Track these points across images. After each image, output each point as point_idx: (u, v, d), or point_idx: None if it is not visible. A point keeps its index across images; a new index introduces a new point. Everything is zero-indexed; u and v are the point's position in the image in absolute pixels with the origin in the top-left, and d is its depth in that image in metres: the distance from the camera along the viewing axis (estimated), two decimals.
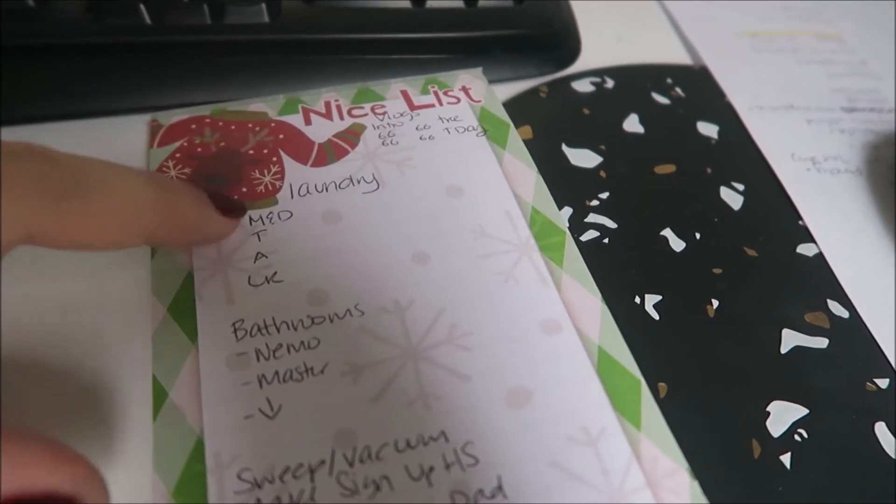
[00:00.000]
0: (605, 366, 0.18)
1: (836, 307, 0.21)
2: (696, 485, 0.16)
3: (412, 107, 0.24)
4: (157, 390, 0.16)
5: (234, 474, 0.15)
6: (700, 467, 0.17)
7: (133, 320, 0.18)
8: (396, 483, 0.15)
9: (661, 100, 0.27)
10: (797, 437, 0.18)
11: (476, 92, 0.25)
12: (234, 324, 0.18)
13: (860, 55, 0.32)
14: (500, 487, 0.15)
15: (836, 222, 0.24)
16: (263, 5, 0.24)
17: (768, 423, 0.18)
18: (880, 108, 0.29)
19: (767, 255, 0.22)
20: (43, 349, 0.18)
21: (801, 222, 0.23)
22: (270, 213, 0.20)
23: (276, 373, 0.17)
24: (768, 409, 0.18)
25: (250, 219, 0.20)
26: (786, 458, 0.17)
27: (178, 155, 0.22)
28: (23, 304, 0.18)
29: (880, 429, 0.18)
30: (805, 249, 0.22)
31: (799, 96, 0.29)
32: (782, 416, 0.18)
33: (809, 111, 0.28)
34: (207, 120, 0.23)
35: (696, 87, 0.28)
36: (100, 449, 0.16)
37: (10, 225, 0.12)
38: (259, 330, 0.18)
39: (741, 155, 0.25)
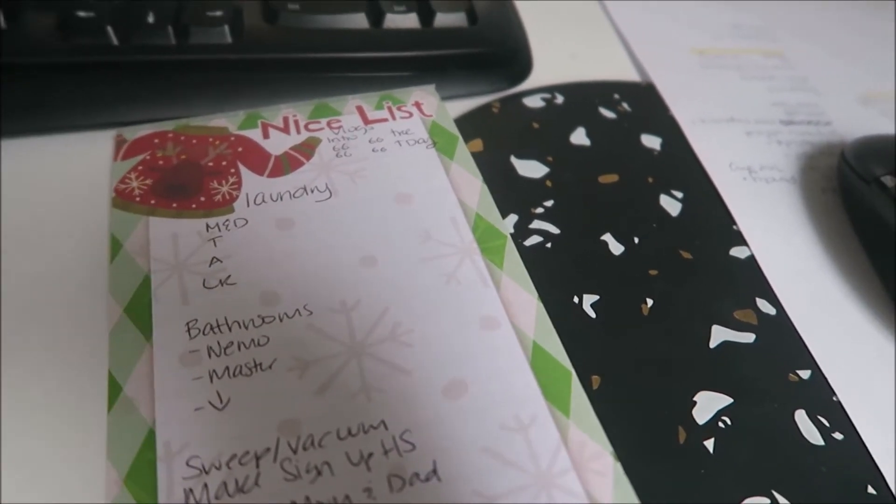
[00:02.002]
0: (538, 359, 0.19)
1: (764, 305, 0.22)
2: (618, 466, 0.17)
3: (366, 121, 0.25)
4: (112, 384, 0.17)
5: (183, 461, 0.16)
6: (628, 453, 0.18)
7: (90, 320, 0.19)
8: (337, 468, 0.16)
9: (608, 114, 0.29)
10: (721, 424, 0.19)
11: (428, 107, 0.26)
12: (187, 323, 0.19)
13: (802, 71, 0.34)
14: (434, 471, 0.16)
15: (768, 227, 0.25)
16: (226, 26, 0.26)
17: (694, 411, 0.19)
18: (817, 122, 0.30)
19: (701, 258, 0.23)
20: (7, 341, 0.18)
21: (735, 227, 0.25)
22: (227, 220, 0.21)
23: (227, 368, 0.18)
24: (695, 398, 0.19)
25: (207, 226, 0.21)
26: (709, 444, 0.19)
27: (140, 167, 0.23)
28: None
29: (800, 416, 0.19)
30: (738, 252, 0.24)
31: (740, 110, 0.30)
32: (708, 404, 0.19)
33: (749, 124, 0.30)
34: (170, 135, 0.24)
35: (642, 103, 0.30)
36: (55, 439, 0.17)
37: None
38: (211, 329, 0.19)
39: (682, 165, 0.27)
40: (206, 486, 0.16)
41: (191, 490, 0.16)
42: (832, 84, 0.33)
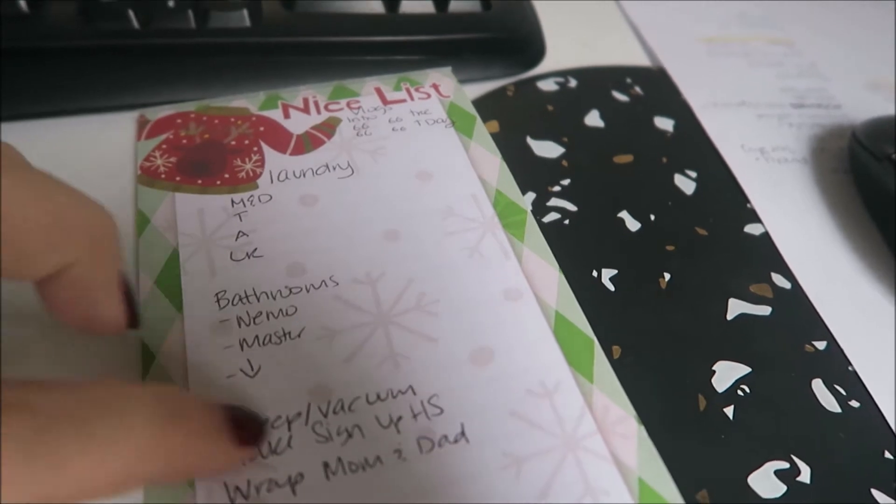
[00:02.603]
0: (561, 328, 0.19)
1: (779, 279, 0.23)
2: (642, 429, 0.17)
3: (385, 102, 0.25)
4: (145, 354, 0.18)
5: None
6: (650, 418, 0.18)
7: None
8: (367, 431, 0.17)
9: (621, 97, 0.29)
10: (740, 392, 0.19)
11: (445, 88, 0.26)
12: (216, 294, 0.19)
13: (810, 58, 0.34)
14: (462, 433, 0.17)
15: (782, 206, 0.25)
16: (245, 10, 0.26)
17: (713, 380, 0.20)
18: (827, 105, 0.31)
19: (717, 234, 0.24)
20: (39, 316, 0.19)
21: (749, 205, 0.25)
22: (251, 196, 0.22)
23: (257, 337, 0.18)
24: (714, 368, 0.20)
25: (232, 201, 0.21)
26: (729, 410, 0.19)
27: (164, 146, 0.23)
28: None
29: (817, 385, 0.20)
30: (752, 229, 0.24)
31: (750, 94, 0.31)
32: (726, 374, 0.20)
33: (760, 107, 0.30)
34: (192, 115, 0.24)
35: (654, 87, 0.30)
36: None
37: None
38: (240, 299, 0.19)
39: (695, 146, 0.27)
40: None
41: None
42: (839, 70, 0.33)
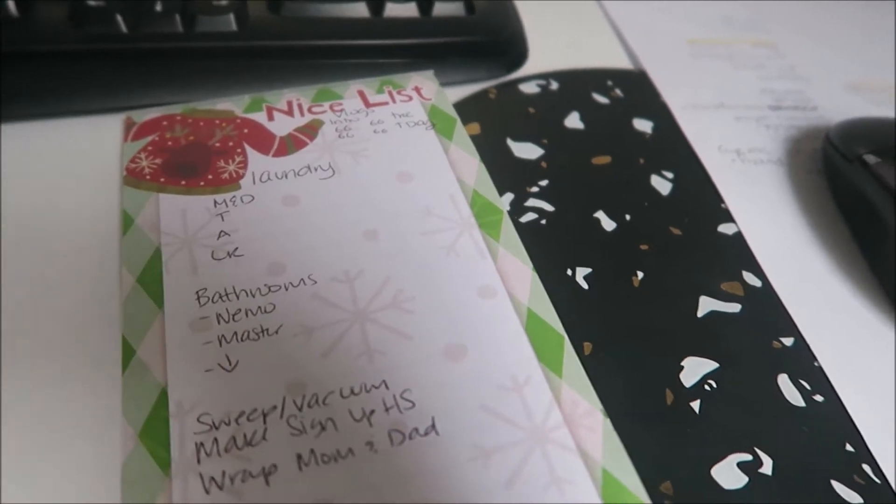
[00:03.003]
0: (532, 324, 0.20)
1: (750, 277, 0.23)
2: (608, 422, 0.18)
3: (367, 104, 0.26)
4: (126, 348, 0.18)
5: (194, 418, 0.17)
6: (618, 412, 0.19)
7: (104, 291, 0.20)
8: (340, 424, 0.17)
9: (601, 99, 0.30)
10: (706, 388, 0.20)
11: (427, 91, 0.27)
12: (197, 292, 0.20)
13: (790, 60, 0.35)
14: (433, 426, 0.17)
15: (756, 206, 0.26)
16: (232, 15, 0.27)
17: (681, 375, 0.20)
18: (804, 107, 0.31)
19: (691, 234, 0.24)
20: (25, 310, 0.19)
21: (723, 205, 0.26)
22: (234, 196, 0.22)
23: (235, 333, 0.19)
24: (682, 363, 0.20)
25: (215, 202, 0.22)
26: (695, 405, 0.19)
27: (149, 148, 0.24)
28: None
29: (782, 380, 0.20)
30: (725, 228, 0.25)
31: (730, 97, 0.31)
32: (694, 369, 0.20)
33: (738, 109, 0.31)
34: (178, 117, 0.25)
35: (635, 89, 0.31)
36: (72, 399, 0.18)
37: None
38: (220, 297, 0.19)
39: (672, 147, 0.28)
40: (216, 440, 0.17)
41: (202, 444, 0.17)
42: (820, 73, 0.34)
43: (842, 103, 0.32)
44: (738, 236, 0.24)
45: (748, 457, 0.18)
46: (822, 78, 0.33)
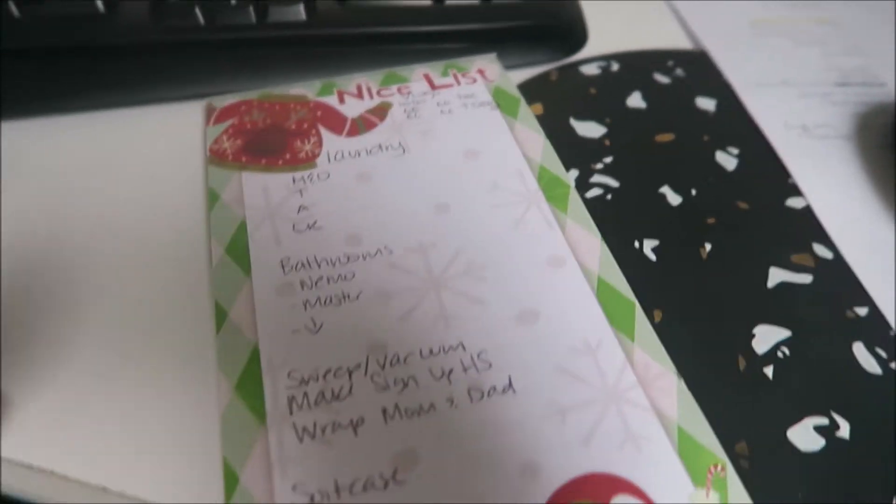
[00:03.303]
0: (603, 291, 0.20)
1: (820, 249, 0.23)
2: (682, 383, 0.18)
3: (433, 87, 0.27)
4: (218, 311, 0.19)
5: (284, 374, 0.18)
6: (690, 376, 0.19)
7: (192, 261, 0.21)
8: (421, 382, 0.18)
9: (663, 79, 0.30)
10: (780, 354, 0.20)
11: (490, 73, 0.27)
12: (281, 260, 0.21)
13: (854, 37, 0.34)
14: (510, 385, 0.18)
15: (824, 180, 0.26)
16: (301, 5, 0.28)
17: (753, 343, 0.20)
18: (871, 83, 0.31)
19: (758, 208, 0.24)
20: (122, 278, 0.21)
21: (790, 180, 0.25)
22: (311, 174, 0.23)
23: (318, 298, 0.20)
24: (753, 332, 0.20)
25: (293, 179, 0.23)
26: (768, 371, 0.20)
27: (230, 130, 0.25)
28: (104, 261, 0.22)
29: (858, 348, 0.20)
30: (794, 203, 0.25)
31: (794, 74, 0.31)
32: (766, 337, 0.20)
33: (803, 86, 0.30)
34: (255, 102, 0.26)
35: (696, 69, 0.31)
36: (171, 358, 0.19)
37: None
38: (303, 265, 0.21)
39: (736, 124, 0.28)
40: (306, 394, 0.18)
41: (293, 397, 0.17)
42: (885, 49, 0.33)
43: None
44: (807, 210, 0.24)
45: (825, 420, 0.18)
46: (887, 54, 0.33)
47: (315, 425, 0.17)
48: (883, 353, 0.20)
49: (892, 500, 0.17)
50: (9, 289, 0.21)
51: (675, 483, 0.16)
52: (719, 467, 0.16)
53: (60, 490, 0.17)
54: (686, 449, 0.17)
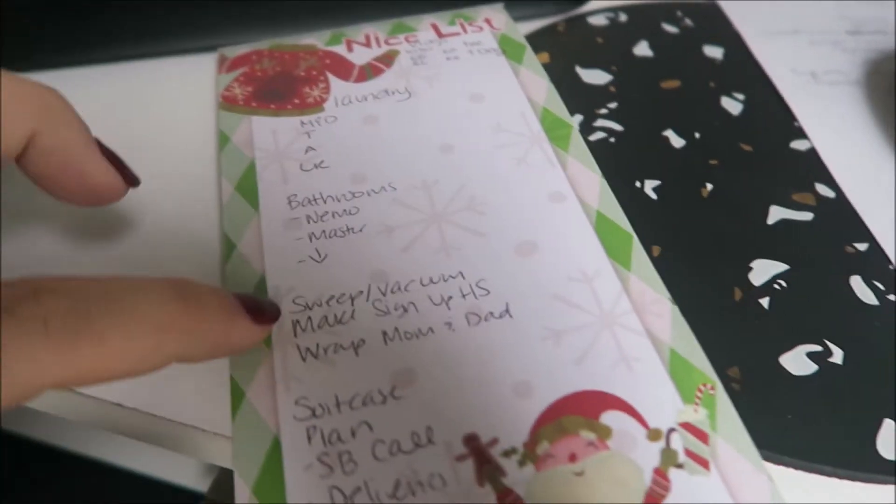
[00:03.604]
0: (601, 224, 0.20)
1: (823, 189, 0.23)
2: (676, 309, 0.18)
3: (440, 35, 0.27)
4: (227, 244, 0.20)
5: (290, 300, 0.19)
6: (686, 306, 0.19)
7: (205, 197, 0.22)
8: (421, 307, 0.19)
9: (671, 29, 0.30)
10: (776, 286, 0.20)
11: (497, 22, 0.28)
12: (288, 197, 0.21)
13: None
14: (507, 311, 0.18)
15: (830, 123, 0.26)
16: None
17: (750, 275, 0.20)
18: (883, 31, 0.30)
19: (762, 150, 0.24)
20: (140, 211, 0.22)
21: (796, 123, 0.25)
22: (319, 117, 0.24)
23: (324, 231, 0.20)
24: (751, 265, 0.21)
25: (301, 122, 0.24)
26: (764, 301, 0.20)
27: (241, 78, 0.26)
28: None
29: (855, 281, 0.20)
30: (798, 145, 0.25)
31: (805, 23, 0.31)
32: (764, 270, 0.21)
33: (814, 34, 0.30)
34: (266, 52, 0.27)
35: (705, 19, 0.31)
36: None
37: (20, 383, 0.11)
38: (309, 201, 0.21)
39: (743, 71, 0.28)
40: (309, 318, 0.18)
41: (297, 321, 0.18)
42: None
43: None
44: (812, 152, 0.24)
45: (818, 347, 0.19)
46: None
47: (318, 346, 0.18)
48: (881, 286, 0.20)
49: (881, 421, 0.17)
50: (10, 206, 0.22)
51: (664, 400, 0.17)
52: (709, 386, 0.17)
53: (77, 407, 0.18)
54: (677, 369, 0.17)
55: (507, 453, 0.16)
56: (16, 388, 0.11)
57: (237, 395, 0.17)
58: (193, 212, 0.22)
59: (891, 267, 0.21)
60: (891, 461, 0.17)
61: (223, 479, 0.39)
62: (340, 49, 0.27)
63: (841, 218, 0.22)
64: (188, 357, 0.14)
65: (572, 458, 0.16)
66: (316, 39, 0.27)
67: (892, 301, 0.20)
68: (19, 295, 0.11)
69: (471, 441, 0.16)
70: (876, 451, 0.17)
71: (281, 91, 0.25)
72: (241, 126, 0.24)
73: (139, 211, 0.22)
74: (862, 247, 0.21)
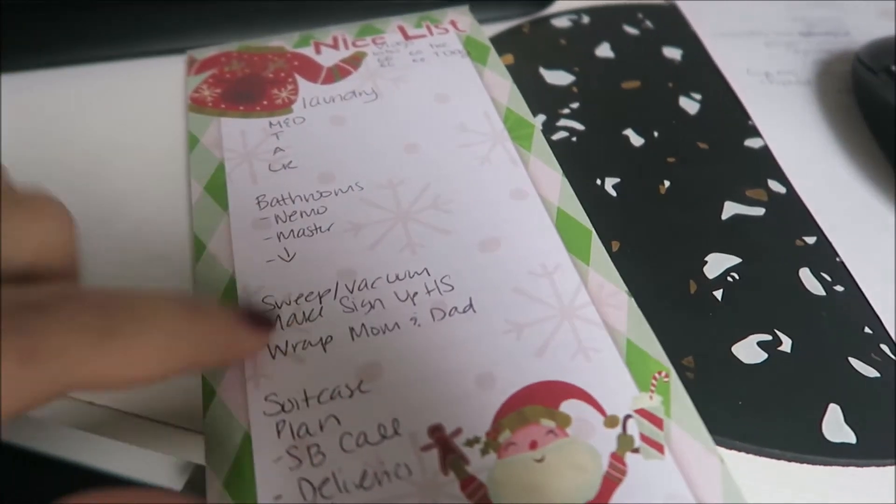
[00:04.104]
0: (562, 221, 0.21)
1: (775, 185, 0.24)
2: (632, 301, 0.19)
3: (407, 37, 0.28)
4: (197, 244, 0.20)
5: (259, 299, 0.19)
6: (643, 299, 0.20)
7: (175, 198, 0.22)
8: (387, 303, 0.19)
9: (632, 31, 0.31)
10: (729, 279, 0.21)
11: (462, 24, 0.28)
12: (257, 197, 0.22)
13: None
14: (470, 305, 0.19)
15: (783, 122, 0.27)
16: None
17: (705, 269, 0.21)
18: (836, 33, 0.32)
19: (717, 148, 0.25)
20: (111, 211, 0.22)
21: (750, 122, 0.26)
22: (287, 118, 0.24)
23: (292, 230, 0.21)
24: (706, 259, 0.22)
25: (270, 123, 0.24)
26: (718, 293, 0.21)
27: (210, 80, 0.26)
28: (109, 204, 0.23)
29: (804, 273, 0.21)
30: (752, 143, 0.26)
31: (761, 24, 0.32)
32: (718, 263, 0.21)
33: (769, 36, 0.31)
34: (235, 54, 0.27)
35: (665, 21, 0.31)
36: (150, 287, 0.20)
37: (49, 381, 0.11)
38: (278, 201, 0.22)
39: (701, 72, 0.29)
40: (279, 317, 0.19)
41: None
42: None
43: (875, 28, 0.32)
44: (765, 150, 0.25)
45: (768, 337, 0.20)
46: (854, 4, 0.34)
47: (287, 343, 0.18)
48: (828, 277, 0.21)
49: (826, 405, 0.18)
50: None
51: (620, 388, 0.17)
52: (663, 374, 0.18)
53: (48, 405, 0.18)
54: (633, 358, 0.18)
55: (471, 442, 0.16)
56: (46, 386, 0.11)
57: (208, 394, 0.18)
58: (163, 212, 0.22)
59: (837, 259, 0.22)
60: (835, 443, 0.18)
61: (197, 479, 0.39)
62: (308, 51, 0.27)
63: (791, 212, 0.23)
64: (199, 363, 0.14)
65: (533, 445, 0.16)
66: (284, 41, 0.28)
67: (838, 292, 0.21)
68: (52, 294, 0.12)
69: (435, 431, 0.17)
70: (822, 434, 0.18)
71: (250, 92, 0.25)
72: (211, 127, 0.24)
73: (110, 212, 0.22)
74: (811, 240, 0.22)
